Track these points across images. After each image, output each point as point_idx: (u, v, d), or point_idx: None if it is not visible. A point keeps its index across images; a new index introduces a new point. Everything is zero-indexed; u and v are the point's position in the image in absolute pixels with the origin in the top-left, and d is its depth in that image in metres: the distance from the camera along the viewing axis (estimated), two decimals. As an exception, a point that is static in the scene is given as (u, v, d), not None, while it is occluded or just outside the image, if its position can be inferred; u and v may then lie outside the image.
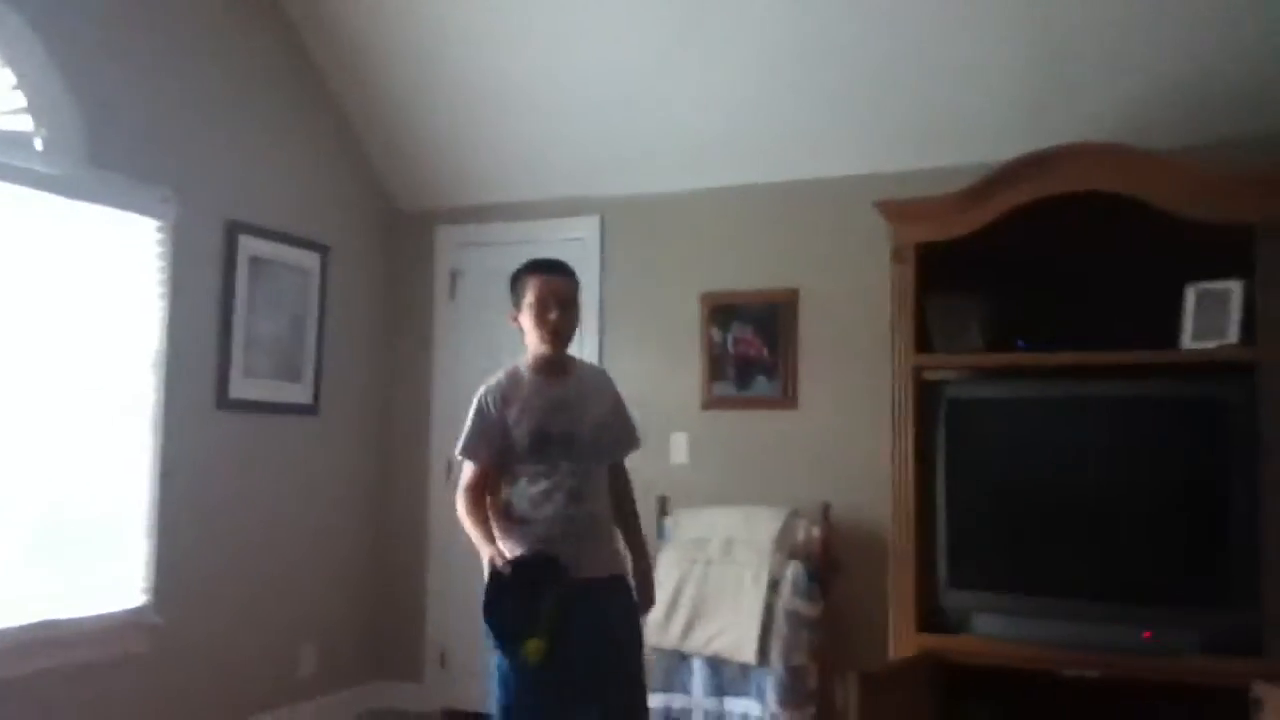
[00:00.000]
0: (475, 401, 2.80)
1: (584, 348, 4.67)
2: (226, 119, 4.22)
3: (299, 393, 4.55)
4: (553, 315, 2.72)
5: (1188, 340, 3.30)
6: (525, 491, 2.71)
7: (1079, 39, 3.68)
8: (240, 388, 4.21)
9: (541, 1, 4.11)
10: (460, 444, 2.80)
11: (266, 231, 4.36)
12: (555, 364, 2.80)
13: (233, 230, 4.20)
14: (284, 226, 4.46)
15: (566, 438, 2.72)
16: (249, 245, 4.26)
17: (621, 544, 2.90)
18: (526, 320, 2.76)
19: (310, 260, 4.60)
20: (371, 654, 4.96)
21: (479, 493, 2.75)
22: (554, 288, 2.75)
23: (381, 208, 5.11)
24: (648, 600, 2.90)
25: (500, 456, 2.74)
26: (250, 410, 4.28)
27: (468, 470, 2.78)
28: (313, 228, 4.63)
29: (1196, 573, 3.20)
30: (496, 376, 2.82)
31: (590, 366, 3.06)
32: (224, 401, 4.15)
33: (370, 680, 4.94)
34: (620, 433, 2.91)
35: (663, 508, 4.31)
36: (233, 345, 4.18)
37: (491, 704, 2.73)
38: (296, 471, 4.54)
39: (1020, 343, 3.51)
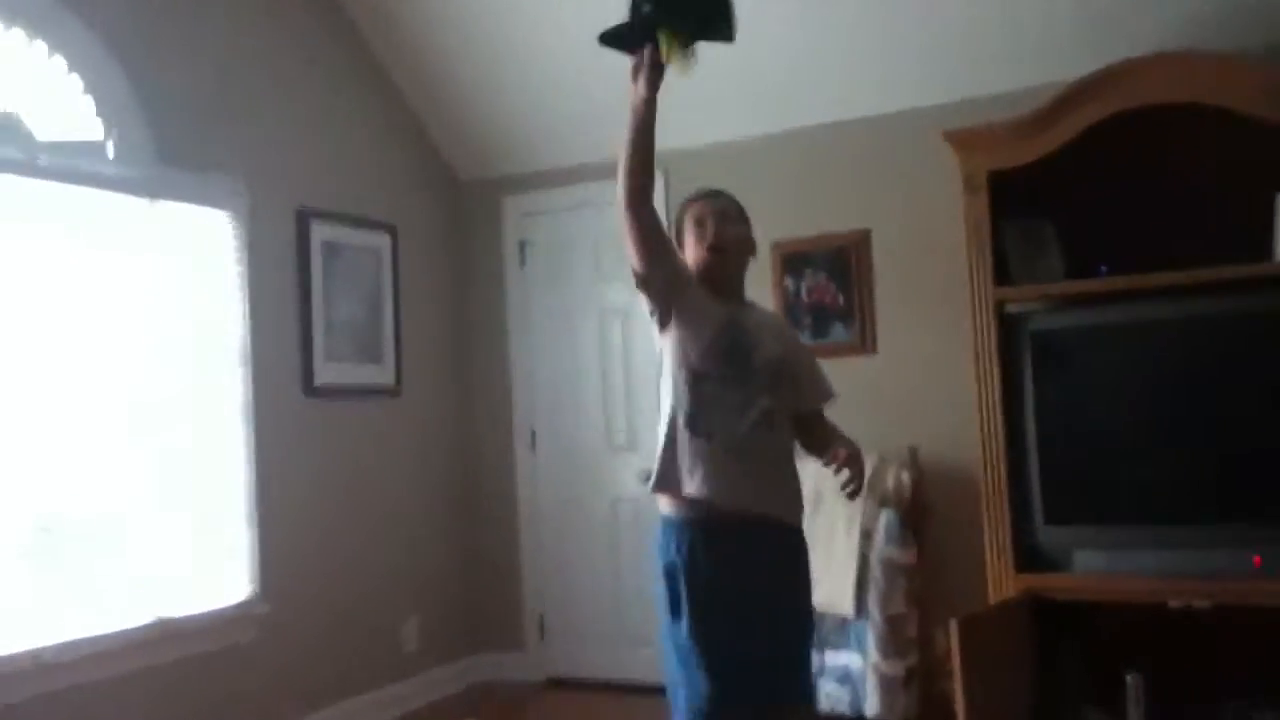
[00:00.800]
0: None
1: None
2: (288, 105, 4.28)
3: (381, 374, 4.61)
4: (711, 226, 2.46)
5: (1280, 253, 3.17)
6: (708, 396, 2.37)
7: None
8: (325, 373, 4.29)
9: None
10: None
11: (336, 215, 4.41)
12: (726, 285, 2.50)
13: (304, 217, 4.26)
14: (352, 209, 4.52)
15: (754, 352, 2.41)
16: (320, 231, 4.32)
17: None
18: (690, 250, 2.49)
19: (381, 241, 4.65)
20: (473, 627, 5.04)
21: None
22: (712, 207, 2.51)
23: (445, 182, 5.14)
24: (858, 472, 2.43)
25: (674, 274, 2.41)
26: (336, 396, 4.36)
27: None
28: (380, 208, 4.68)
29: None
30: None
31: (766, 310, 2.76)
32: (310, 389, 4.23)
33: (474, 653, 5.02)
34: (816, 373, 2.59)
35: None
36: (314, 332, 4.25)
37: (675, 692, 2.37)
38: (384, 452, 4.61)
39: (1102, 268, 3.40)
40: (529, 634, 5.00)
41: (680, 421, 2.37)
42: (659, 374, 2.50)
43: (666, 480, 2.39)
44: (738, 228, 2.52)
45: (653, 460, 2.45)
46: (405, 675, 4.61)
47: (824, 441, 2.49)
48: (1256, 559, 3.10)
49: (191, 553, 3.74)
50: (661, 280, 2.39)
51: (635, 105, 2.35)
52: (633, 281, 2.43)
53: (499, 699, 4.80)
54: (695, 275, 2.48)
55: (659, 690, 2.49)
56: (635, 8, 2.34)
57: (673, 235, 2.53)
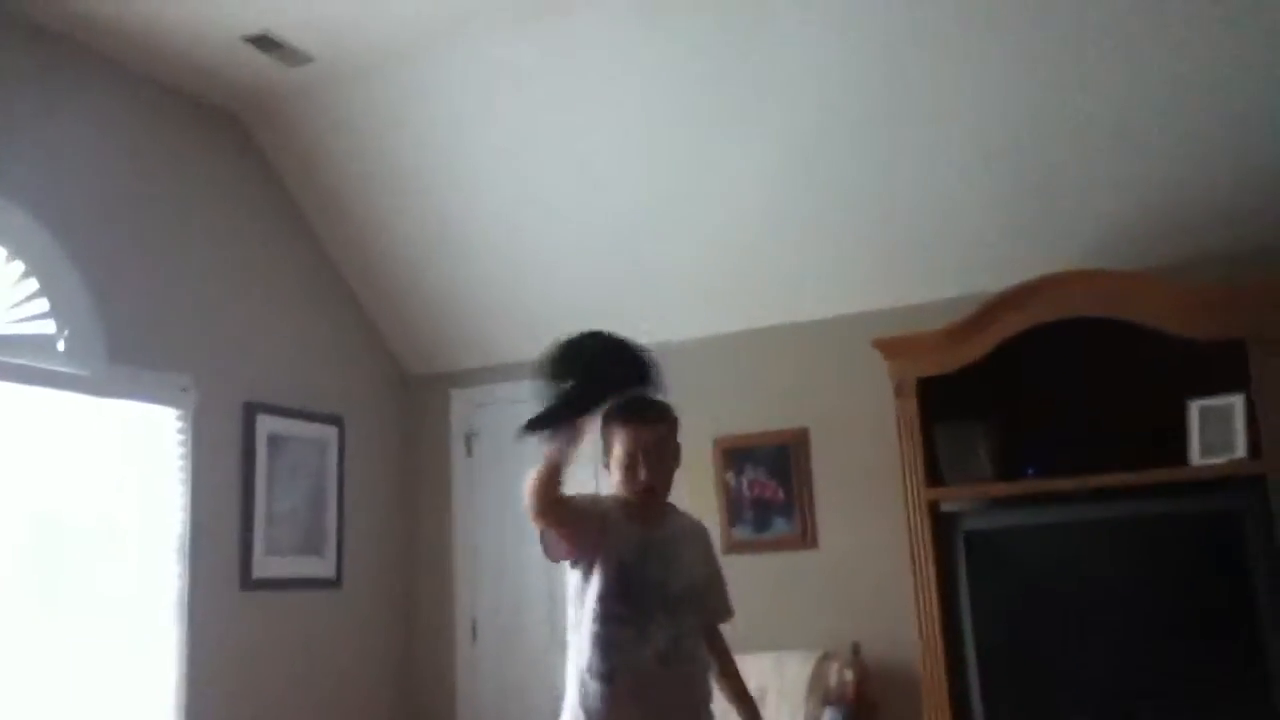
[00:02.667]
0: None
1: (601, 500, 4.70)
2: (239, 303, 4.37)
3: (321, 566, 4.57)
4: (643, 474, 2.45)
5: (1195, 457, 3.33)
6: (606, 639, 2.37)
7: (1061, 168, 3.80)
8: (264, 566, 4.25)
9: (533, 160, 4.28)
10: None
11: (283, 409, 4.46)
12: (648, 510, 2.51)
13: (250, 410, 4.30)
14: (300, 402, 4.57)
15: (659, 585, 2.43)
16: (266, 424, 4.35)
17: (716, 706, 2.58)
18: (616, 473, 2.50)
19: (327, 433, 4.69)
20: (407, 828, 4.85)
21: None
22: (644, 440, 2.46)
23: (393, 375, 5.22)
24: None
25: (586, 543, 2.42)
26: (274, 588, 4.30)
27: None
28: (327, 400, 4.74)
29: (1232, 690, 3.15)
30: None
31: (688, 517, 2.71)
32: (248, 582, 4.18)
33: None
34: (720, 590, 2.65)
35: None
36: (255, 524, 4.23)
37: None
38: (322, 645, 4.53)
39: (1029, 469, 3.54)
40: (465, 839, 4.81)
41: (583, 655, 2.39)
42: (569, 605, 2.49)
43: None
44: (668, 460, 2.51)
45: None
46: None
47: (723, 664, 2.61)
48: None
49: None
50: (589, 551, 2.42)
51: (555, 458, 2.33)
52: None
53: None
54: (614, 497, 2.49)
55: None
56: (561, 392, 2.39)
57: (603, 446, 2.52)
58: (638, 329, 4.58)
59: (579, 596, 2.44)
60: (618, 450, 2.49)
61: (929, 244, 4.10)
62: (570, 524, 2.42)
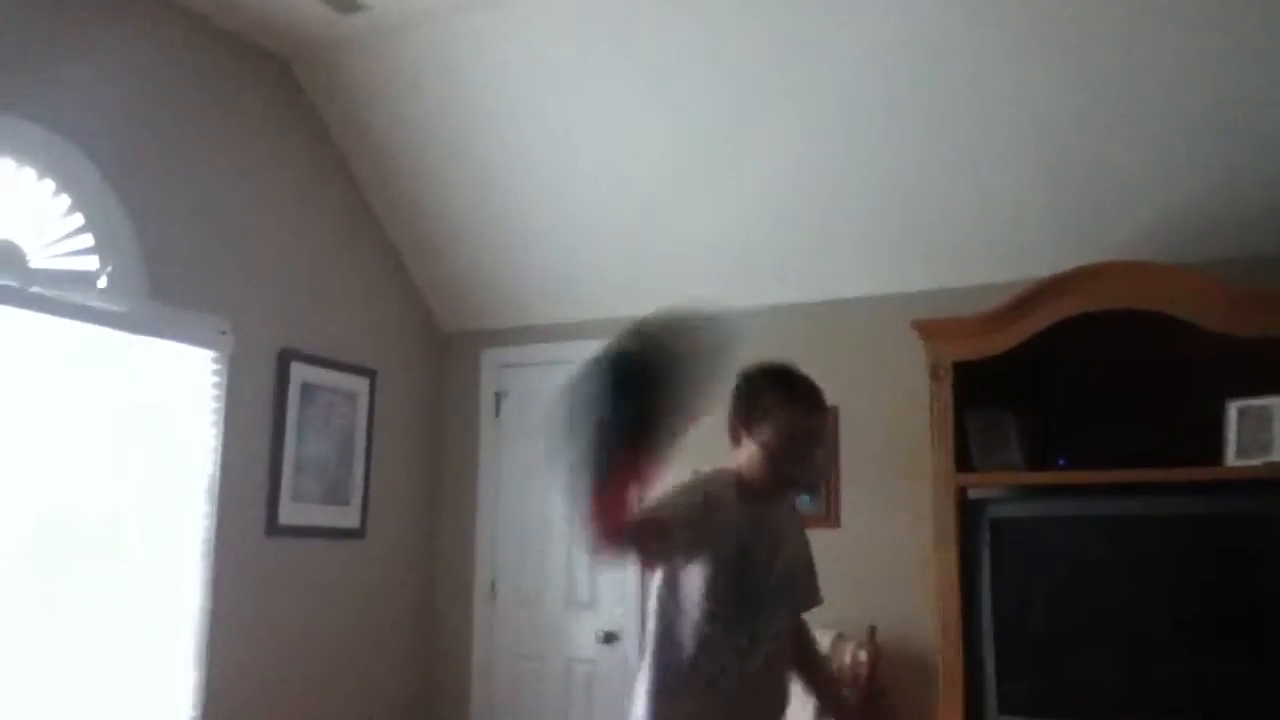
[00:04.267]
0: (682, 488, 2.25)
1: (626, 468, 4.71)
2: (279, 249, 4.40)
3: (347, 516, 4.61)
4: (792, 467, 2.29)
5: (1231, 457, 3.29)
6: (713, 639, 2.24)
7: (1105, 158, 3.74)
8: (289, 513, 4.29)
9: (577, 128, 4.27)
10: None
11: (317, 358, 4.48)
12: (769, 502, 2.37)
13: (285, 358, 4.33)
14: (334, 353, 4.59)
15: (765, 579, 2.32)
16: (300, 372, 4.38)
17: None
18: (754, 453, 2.29)
19: (359, 385, 4.71)
20: (417, 780, 4.91)
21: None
22: (811, 429, 2.32)
23: (427, 332, 5.24)
24: None
25: (687, 555, 2.21)
26: (299, 535, 4.35)
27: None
28: (361, 352, 4.76)
29: (1255, 691, 3.12)
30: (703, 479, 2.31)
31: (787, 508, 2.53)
32: (274, 528, 4.22)
33: (416, 806, 4.88)
34: (813, 577, 2.56)
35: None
36: (283, 471, 4.27)
37: None
38: (342, 594, 4.57)
39: (1060, 460, 3.51)
40: (475, 792, 4.87)
41: (679, 657, 2.25)
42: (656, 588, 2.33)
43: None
44: (819, 455, 2.36)
45: (638, 668, 2.36)
46: (345, 829, 4.47)
47: (811, 651, 2.56)
48: (1206, 761, 3.12)
49: (132, 687, 3.67)
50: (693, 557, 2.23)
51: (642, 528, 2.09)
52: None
53: None
54: (728, 482, 2.29)
55: None
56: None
57: (740, 412, 2.32)
58: (670, 298, 4.64)
59: (674, 586, 2.27)
60: (772, 439, 2.27)
61: (966, 228, 4.06)
62: (672, 558, 2.22)
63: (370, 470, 4.73)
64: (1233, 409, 3.34)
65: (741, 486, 2.29)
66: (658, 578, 2.31)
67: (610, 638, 4.63)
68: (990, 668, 3.42)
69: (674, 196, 4.39)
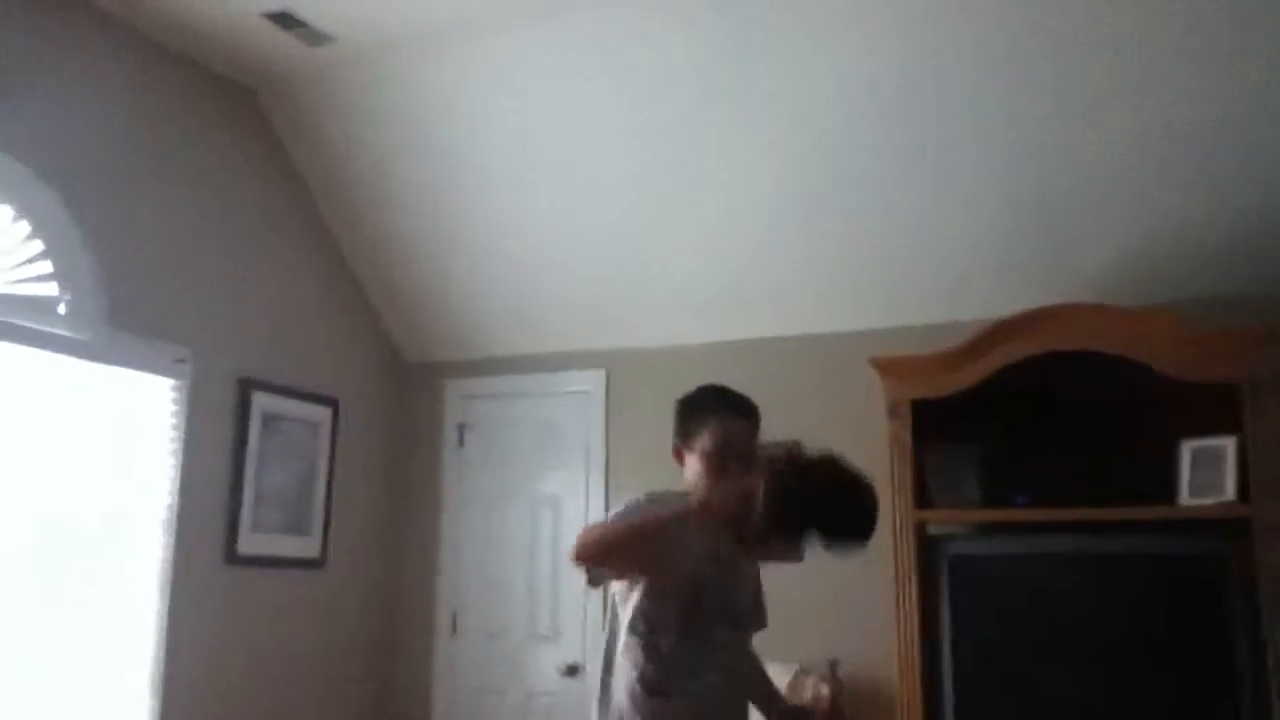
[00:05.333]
0: (623, 503, 2.31)
1: (590, 500, 4.72)
2: (240, 278, 4.37)
3: (307, 546, 4.57)
4: (733, 477, 2.23)
5: (1185, 496, 3.34)
6: (669, 656, 2.25)
7: (1063, 204, 3.81)
8: (249, 543, 4.25)
9: (545, 158, 4.29)
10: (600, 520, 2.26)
11: (278, 387, 4.46)
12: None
13: (245, 387, 4.30)
14: (295, 382, 4.57)
15: (725, 599, 2.33)
16: (261, 401, 4.36)
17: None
18: (695, 467, 2.34)
19: (321, 414, 4.69)
20: (374, 815, 4.85)
21: None
22: (735, 437, 2.31)
23: (391, 362, 5.23)
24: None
25: (638, 571, 2.25)
26: (258, 565, 4.31)
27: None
28: (323, 382, 4.74)
29: (1206, 734, 3.16)
30: (643, 495, 2.34)
31: None
32: (232, 557, 4.18)
33: (372, 842, 4.82)
34: (760, 600, 2.57)
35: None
36: (243, 500, 4.23)
37: None
38: (303, 626, 4.53)
39: (1018, 497, 3.55)
40: (432, 828, 4.81)
41: (633, 677, 2.26)
42: (610, 606, 2.38)
43: None
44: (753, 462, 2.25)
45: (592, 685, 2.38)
46: None
47: (759, 670, 2.59)
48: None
49: (87, 716, 3.61)
50: (649, 575, 2.27)
51: (656, 525, 2.14)
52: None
53: None
54: (684, 499, 2.25)
55: None
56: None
57: (679, 434, 2.39)
58: (634, 332, 4.67)
59: (627, 601, 2.29)
60: (707, 443, 2.32)
61: (925, 267, 4.11)
62: (631, 570, 2.26)
63: (331, 500, 4.70)
64: (1186, 449, 3.39)
65: (693, 509, 2.23)
66: (614, 593, 2.35)
67: (572, 670, 4.61)
68: (950, 702, 3.45)
69: (639, 231, 4.41)
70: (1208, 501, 3.29)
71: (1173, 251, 3.80)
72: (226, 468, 4.21)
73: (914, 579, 3.54)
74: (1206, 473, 3.33)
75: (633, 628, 2.28)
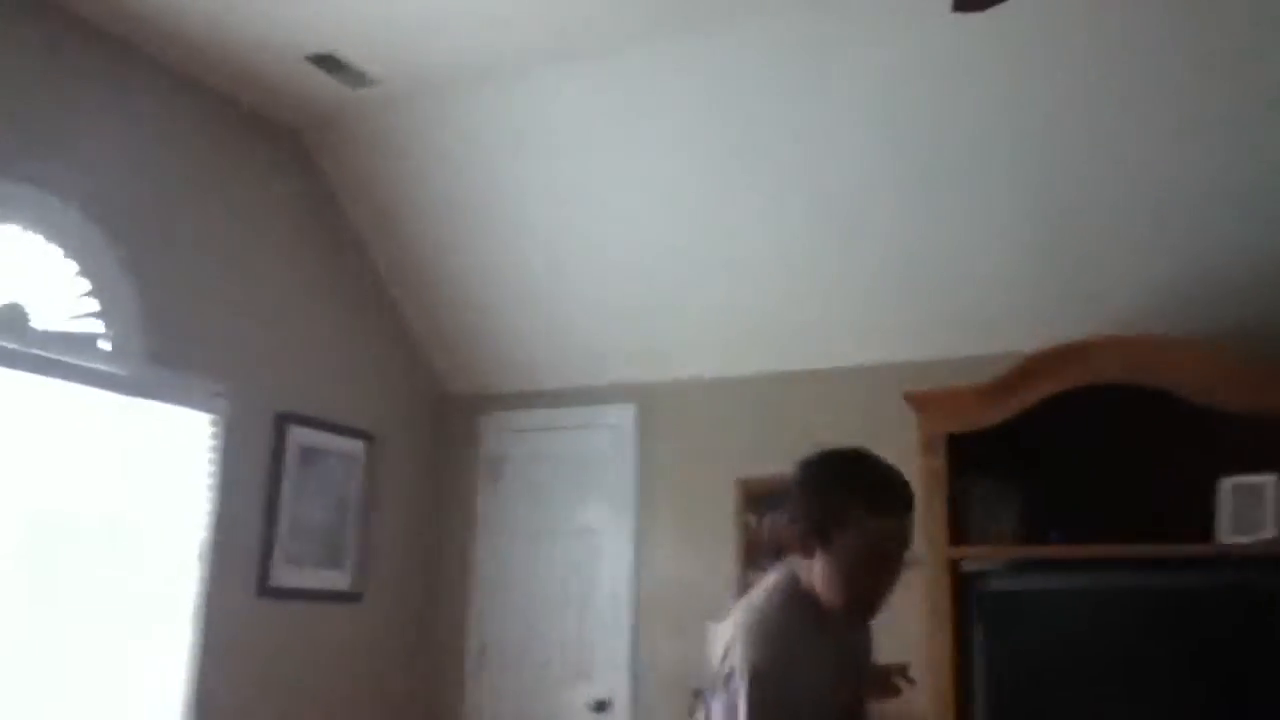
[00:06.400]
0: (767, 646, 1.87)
1: (621, 535, 4.71)
2: (280, 314, 4.44)
3: (340, 579, 4.60)
4: (884, 585, 1.91)
5: (1224, 534, 3.28)
6: None
7: (1102, 233, 3.78)
8: (282, 575, 4.28)
9: (579, 193, 4.34)
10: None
11: (315, 421, 4.50)
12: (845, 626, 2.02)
13: (282, 421, 4.35)
14: (332, 416, 4.61)
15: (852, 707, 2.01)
16: (298, 435, 4.40)
17: None
18: (838, 568, 1.89)
19: (357, 448, 4.73)
20: None
21: None
22: (904, 536, 1.91)
23: (427, 395, 5.26)
24: None
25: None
26: (291, 598, 4.33)
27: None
28: (360, 416, 4.78)
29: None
30: (781, 613, 1.92)
31: None
32: (265, 589, 4.21)
33: None
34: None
35: (697, 699, 4.24)
36: (277, 533, 4.26)
37: None
38: (335, 659, 4.54)
39: (1053, 534, 3.51)
40: None
41: None
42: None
43: None
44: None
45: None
46: None
47: None
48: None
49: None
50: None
51: None
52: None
53: None
54: (805, 612, 1.93)
55: None
56: None
57: (813, 516, 1.92)
58: (667, 365, 4.68)
59: None
60: (853, 545, 1.87)
61: (960, 299, 4.10)
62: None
63: (366, 533, 4.73)
64: (1226, 485, 3.34)
65: (817, 611, 1.92)
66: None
67: (602, 706, 4.59)
68: (985, 743, 3.40)
69: (676, 265, 4.44)
70: (1247, 539, 3.24)
71: (1215, 283, 3.75)
72: (262, 500, 4.24)
73: (949, 615, 3.50)
74: (1247, 509, 3.28)
75: None
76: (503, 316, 4.91)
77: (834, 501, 1.89)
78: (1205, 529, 3.32)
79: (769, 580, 1.98)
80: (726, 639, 1.92)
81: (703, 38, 3.71)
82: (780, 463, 4.36)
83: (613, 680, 4.59)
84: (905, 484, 1.93)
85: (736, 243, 4.27)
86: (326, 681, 4.48)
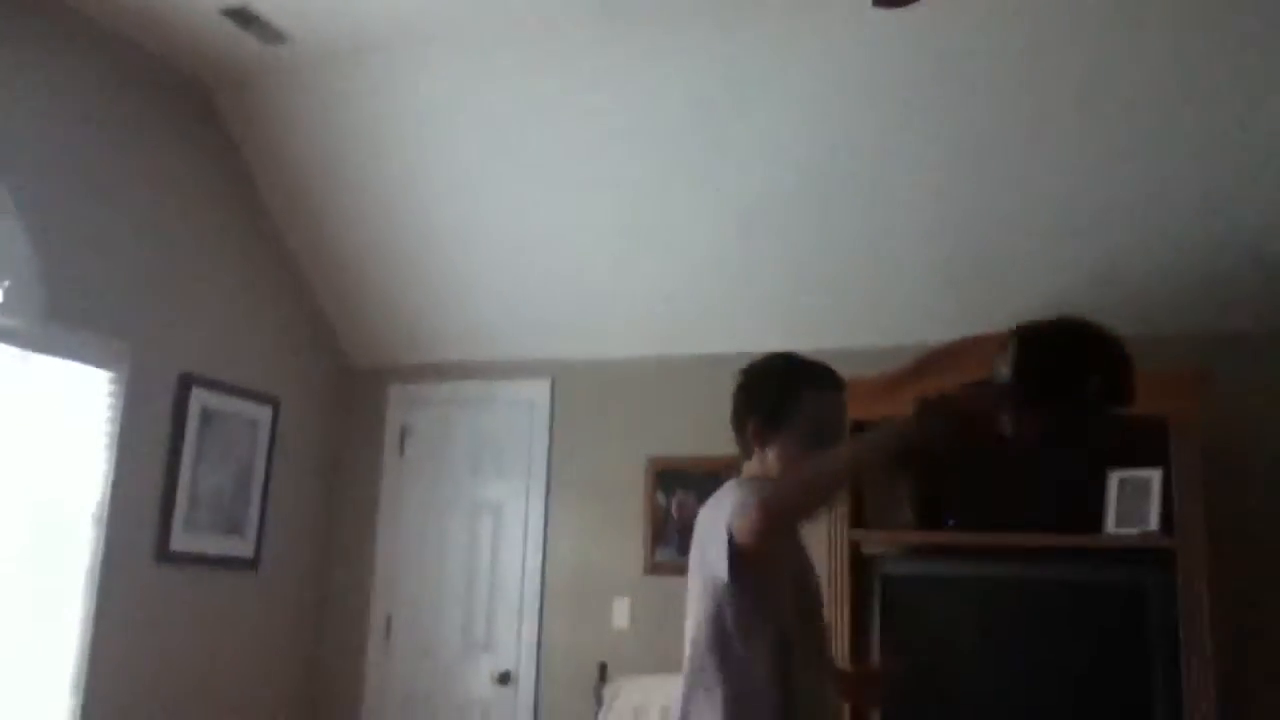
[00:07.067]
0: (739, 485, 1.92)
1: (530, 510, 4.72)
2: (185, 274, 4.33)
3: (240, 546, 4.52)
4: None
5: (1110, 525, 3.42)
6: (801, 677, 1.91)
7: (1001, 244, 3.92)
8: (181, 541, 4.19)
9: (498, 167, 4.30)
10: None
11: (219, 384, 4.41)
12: None
13: (185, 382, 4.25)
14: (236, 379, 4.52)
15: (817, 592, 2.08)
16: (201, 397, 4.31)
17: None
18: (786, 449, 2.00)
19: (261, 413, 4.65)
20: (299, 820, 4.80)
21: None
22: (845, 406, 2.06)
23: (334, 364, 5.19)
24: None
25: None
26: (190, 563, 4.25)
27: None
28: (265, 381, 4.70)
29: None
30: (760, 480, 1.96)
31: None
32: (164, 555, 4.12)
33: (295, 847, 4.77)
34: None
35: (602, 674, 4.29)
36: (177, 498, 4.17)
37: None
38: (233, 627, 4.48)
39: (950, 520, 3.61)
40: (357, 834, 4.77)
41: (754, 680, 1.89)
42: (702, 634, 2.00)
43: None
44: None
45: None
46: None
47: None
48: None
49: (4, 712, 3.54)
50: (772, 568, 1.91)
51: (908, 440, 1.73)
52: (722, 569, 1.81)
53: None
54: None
55: None
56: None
57: (760, 412, 2.03)
58: (581, 343, 4.69)
59: (742, 617, 1.90)
60: (809, 417, 2.00)
61: (867, 293, 4.21)
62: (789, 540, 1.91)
63: (267, 500, 4.66)
64: (1114, 479, 3.48)
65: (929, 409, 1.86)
66: (715, 592, 1.91)
67: (505, 678, 4.61)
68: (876, 717, 3.50)
69: (588, 242, 4.43)
70: (1132, 531, 3.38)
71: (1105, 288, 3.90)
72: (161, 463, 4.15)
73: (847, 597, 3.59)
74: (1133, 503, 3.42)
75: (741, 639, 1.90)
76: (413, 286, 4.85)
77: (782, 385, 2.05)
78: (1095, 521, 3.46)
79: (729, 483, 1.98)
80: (706, 521, 1.94)
81: (628, 25, 3.71)
82: (691, 444, 4.47)
83: (517, 652, 4.61)
84: (832, 369, 2.11)
85: (651, 225, 4.29)
86: (225, 650, 4.42)
